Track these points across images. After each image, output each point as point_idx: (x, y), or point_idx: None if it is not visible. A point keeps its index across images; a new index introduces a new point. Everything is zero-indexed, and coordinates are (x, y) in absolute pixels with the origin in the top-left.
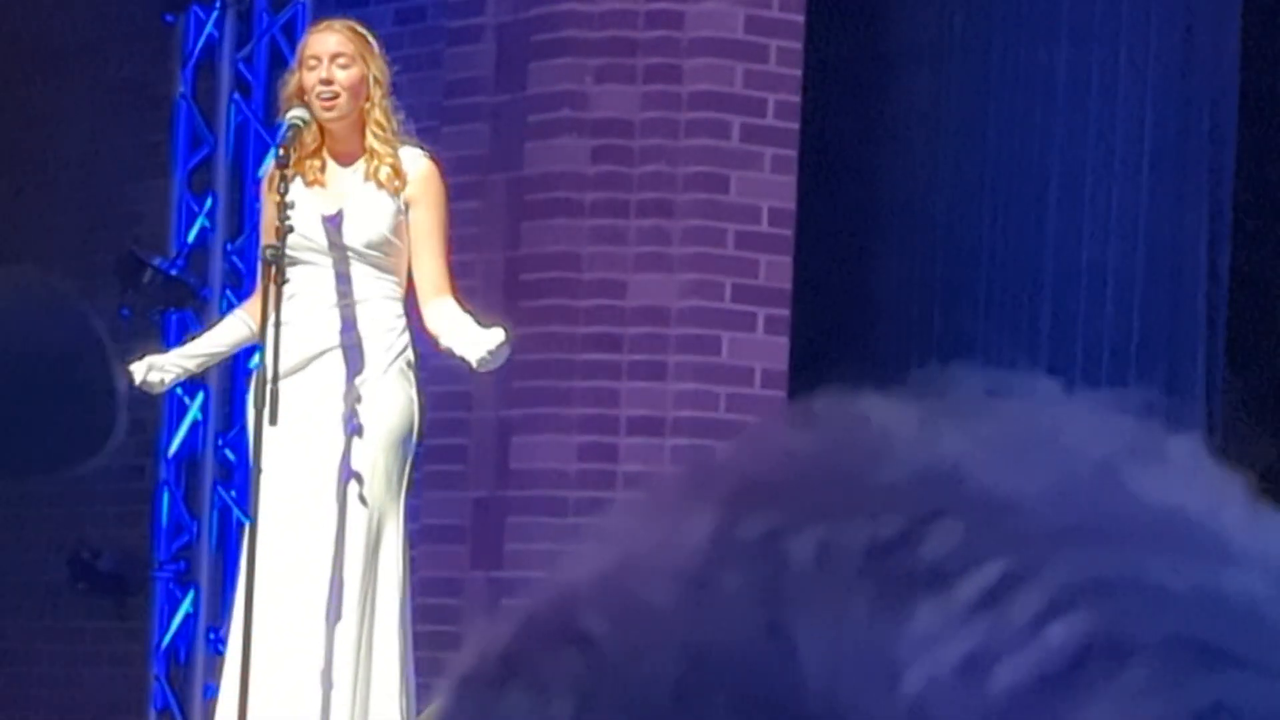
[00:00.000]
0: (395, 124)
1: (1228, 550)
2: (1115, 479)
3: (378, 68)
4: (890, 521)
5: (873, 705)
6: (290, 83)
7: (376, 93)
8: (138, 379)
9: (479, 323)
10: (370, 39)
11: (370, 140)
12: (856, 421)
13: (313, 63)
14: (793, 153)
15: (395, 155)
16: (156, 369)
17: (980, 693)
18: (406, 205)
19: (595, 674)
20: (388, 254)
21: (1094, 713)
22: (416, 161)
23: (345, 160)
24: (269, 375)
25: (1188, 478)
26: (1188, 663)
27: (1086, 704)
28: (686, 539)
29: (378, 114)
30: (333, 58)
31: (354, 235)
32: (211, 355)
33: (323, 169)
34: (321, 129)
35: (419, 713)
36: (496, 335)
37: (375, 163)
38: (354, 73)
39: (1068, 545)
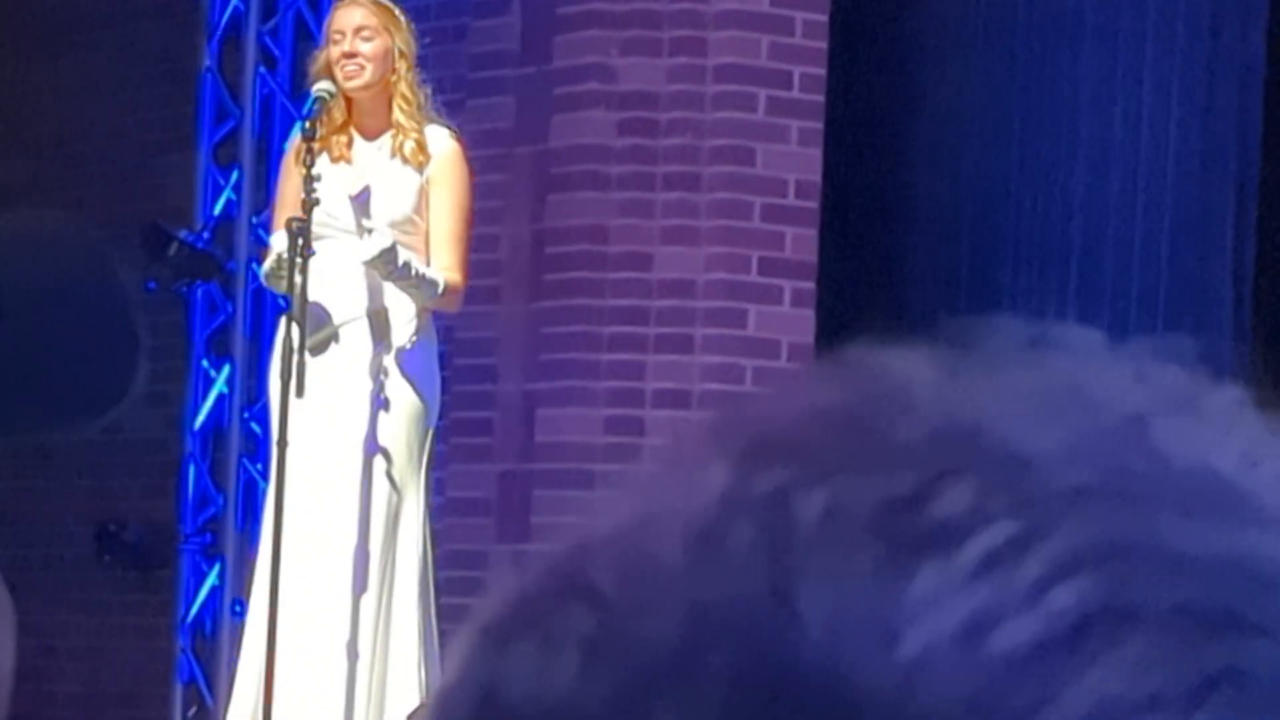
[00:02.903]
0: (422, 98)
1: (1257, 511)
2: (1143, 434)
3: (403, 40)
4: (902, 479)
5: (870, 667)
6: (318, 59)
7: (402, 65)
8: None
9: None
10: (396, 12)
11: (396, 114)
12: (880, 374)
13: (337, 37)
14: (819, 125)
15: (420, 130)
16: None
17: (978, 657)
18: (429, 182)
19: (602, 630)
20: (410, 231)
21: (1094, 680)
22: (442, 142)
23: (371, 135)
24: (294, 347)
25: (1223, 433)
26: (1196, 631)
27: (1087, 671)
28: (698, 494)
29: (403, 87)
30: (356, 31)
31: (379, 213)
32: None
33: (349, 144)
34: (349, 104)
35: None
36: (377, 242)
37: (400, 137)
38: (378, 45)
39: (1081, 506)
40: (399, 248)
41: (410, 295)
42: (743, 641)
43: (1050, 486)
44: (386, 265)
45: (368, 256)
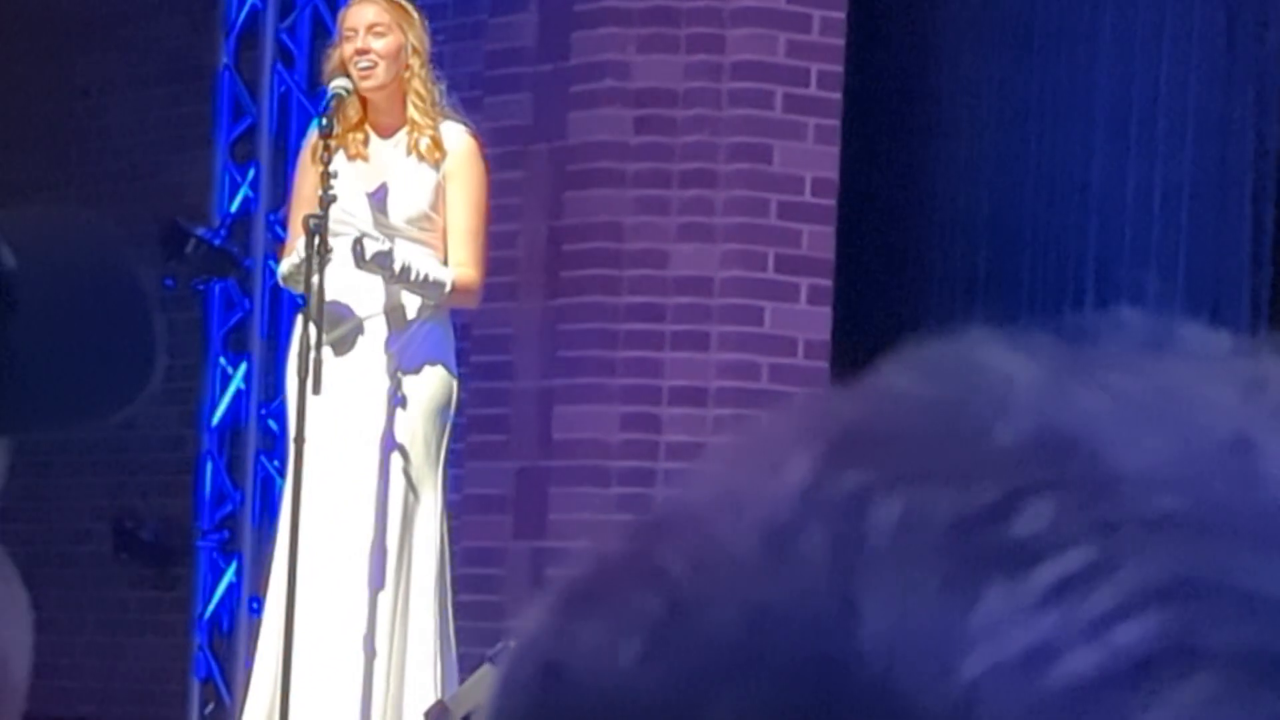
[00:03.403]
0: (436, 95)
1: None
2: (1246, 457)
3: (416, 37)
4: (983, 492)
5: (928, 686)
6: (332, 56)
7: (415, 62)
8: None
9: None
10: (410, 9)
11: (411, 111)
12: (976, 371)
13: (350, 34)
14: (836, 123)
15: (435, 127)
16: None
17: (1038, 687)
18: (445, 178)
19: (668, 616)
20: (427, 228)
21: (1153, 719)
22: (457, 138)
23: (387, 132)
24: (312, 345)
25: None
26: (1263, 676)
27: (1148, 710)
28: (776, 487)
29: (417, 84)
30: (369, 28)
31: (395, 211)
32: None
33: (365, 142)
34: (364, 101)
35: (460, 682)
36: (371, 246)
37: (416, 134)
38: (390, 42)
39: (1161, 536)
40: (398, 250)
41: (419, 295)
42: (804, 644)
43: (1134, 511)
44: (382, 269)
45: (362, 260)
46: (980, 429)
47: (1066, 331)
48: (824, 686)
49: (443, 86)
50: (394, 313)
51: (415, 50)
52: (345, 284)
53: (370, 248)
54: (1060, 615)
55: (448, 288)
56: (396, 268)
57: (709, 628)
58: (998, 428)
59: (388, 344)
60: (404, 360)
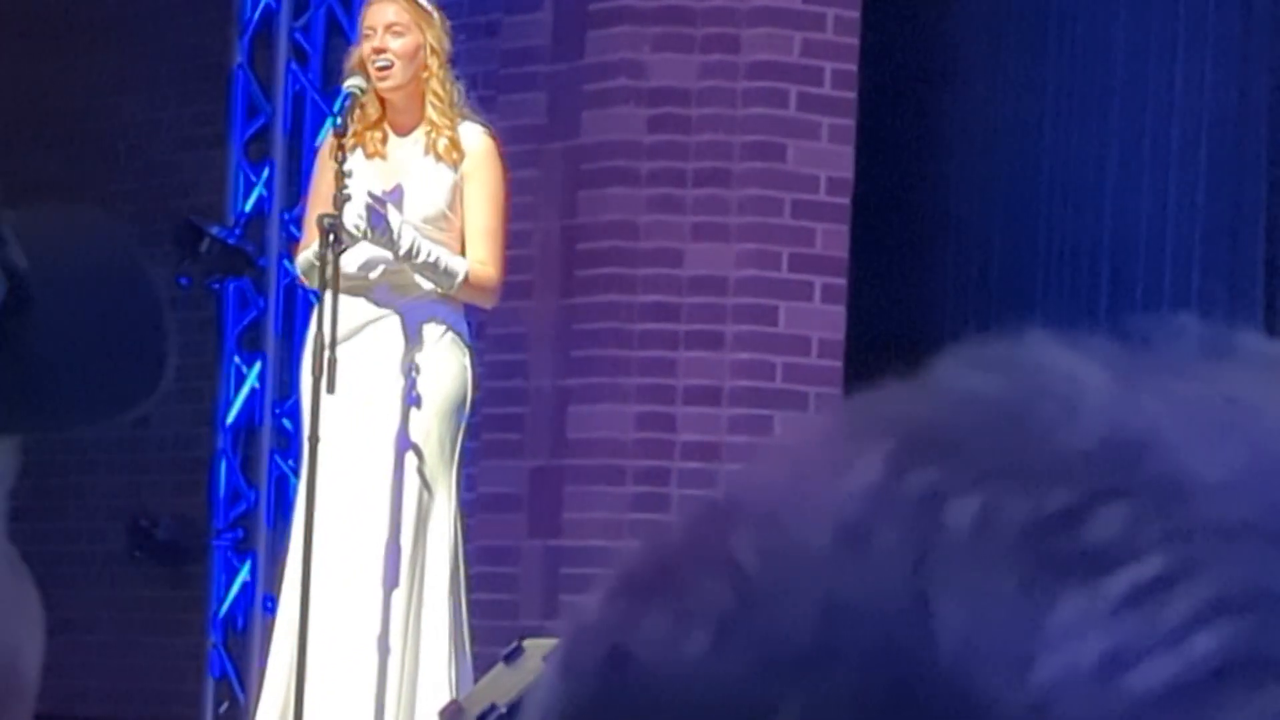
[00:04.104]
0: (455, 94)
1: None
2: None
3: (435, 37)
4: (1057, 495)
5: (1002, 689)
6: (352, 55)
7: (434, 62)
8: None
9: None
10: (430, 9)
11: (429, 111)
12: (1044, 371)
13: (369, 33)
14: (850, 122)
15: (453, 127)
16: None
17: (1113, 694)
18: (463, 178)
19: (738, 607)
20: (443, 227)
21: None
22: (476, 138)
23: (405, 131)
24: (326, 343)
25: None
26: None
27: (1219, 719)
28: (851, 483)
29: (436, 84)
30: (388, 27)
31: (412, 210)
32: None
33: (384, 141)
34: (382, 100)
35: (474, 681)
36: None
37: (434, 134)
38: (408, 41)
39: (1236, 544)
40: (408, 230)
41: (431, 281)
42: (878, 642)
43: (1207, 519)
44: (392, 244)
45: (372, 231)
46: (1049, 431)
47: (1123, 335)
48: (898, 683)
49: (461, 86)
50: (409, 311)
51: (434, 50)
52: (361, 282)
53: (392, 218)
54: (1135, 623)
55: (460, 277)
56: (404, 244)
57: (781, 620)
58: (1067, 431)
59: (403, 343)
60: (419, 359)
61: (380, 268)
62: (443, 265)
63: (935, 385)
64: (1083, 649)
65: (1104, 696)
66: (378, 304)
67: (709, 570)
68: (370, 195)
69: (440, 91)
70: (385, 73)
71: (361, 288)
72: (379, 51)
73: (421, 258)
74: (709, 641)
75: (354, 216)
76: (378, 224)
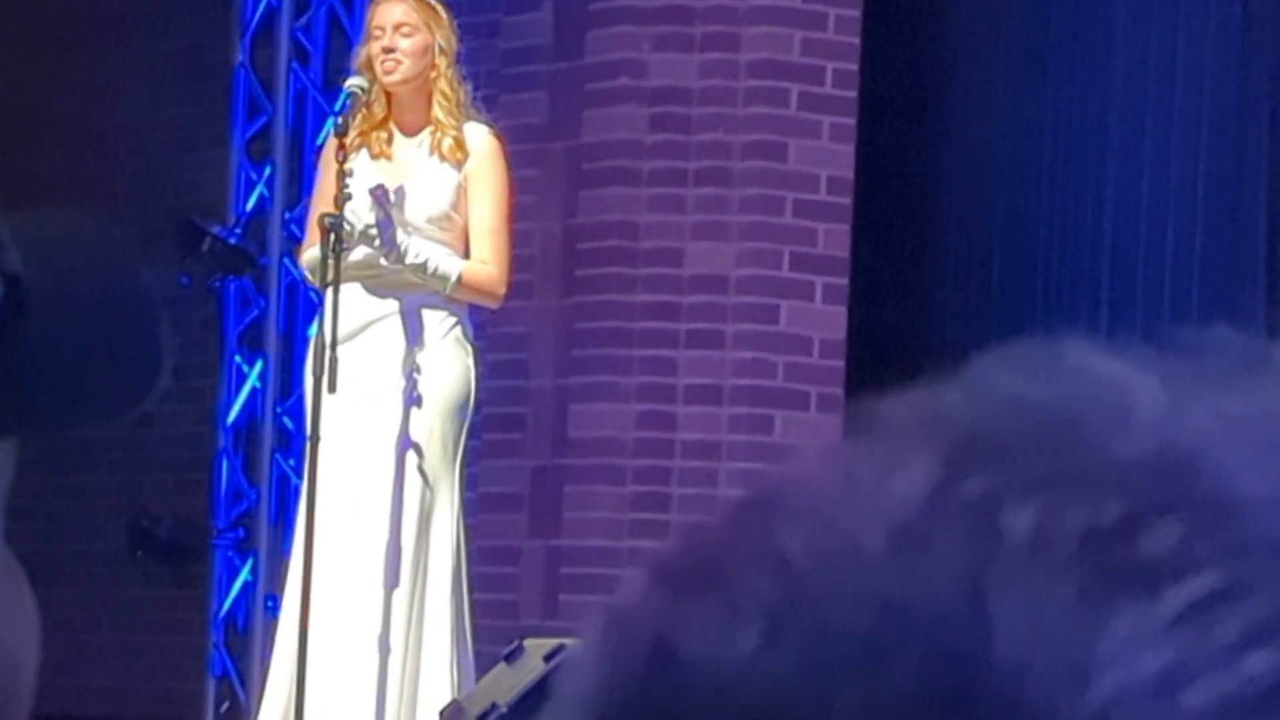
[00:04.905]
0: (462, 95)
1: None
2: None
3: (443, 37)
4: (1112, 506)
5: (1059, 701)
6: (360, 54)
7: (442, 62)
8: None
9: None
10: (439, 9)
11: (435, 111)
12: (1088, 379)
13: (377, 33)
14: (851, 121)
15: (459, 127)
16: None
17: (1170, 710)
18: (467, 179)
19: (789, 603)
20: (447, 228)
21: None
22: (480, 138)
23: (411, 131)
24: (328, 342)
25: None
26: None
27: None
28: (905, 485)
29: (443, 84)
30: (396, 26)
31: (415, 210)
32: None
33: (389, 140)
34: (389, 99)
35: (476, 681)
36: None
37: (439, 134)
38: (417, 40)
39: None
40: (403, 234)
41: (424, 283)
42: (934, 646)
43: (1259, 536)
44: (382, 248)
45: (363, 235)
46: (1101, 441)
47: (1163, 343)
48: (953, 686)
49: (468, 87)
50: (413, 311)
51: (442, 50)
52: (363, 281)
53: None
54: (1190, 639)
55: (453, 279)
56: (398, 246)
57: (834, 620)
58: (1119, 441)
59: (405, 342)
60: (421, 358)
61: (382, 261)
62: (432, 267)
63: (979, 388)
64: (1141, 664)
65: (1160, 713)
66: (382, 302)
67: (756, 565)
68: (374, 189)
69: (448, 91)
70: (392, 70)
71: (371, 276)
72: (388, 51)
73: (409, 259)
74: (758, 637)
75: (364, 211)
76: (383, 213)
